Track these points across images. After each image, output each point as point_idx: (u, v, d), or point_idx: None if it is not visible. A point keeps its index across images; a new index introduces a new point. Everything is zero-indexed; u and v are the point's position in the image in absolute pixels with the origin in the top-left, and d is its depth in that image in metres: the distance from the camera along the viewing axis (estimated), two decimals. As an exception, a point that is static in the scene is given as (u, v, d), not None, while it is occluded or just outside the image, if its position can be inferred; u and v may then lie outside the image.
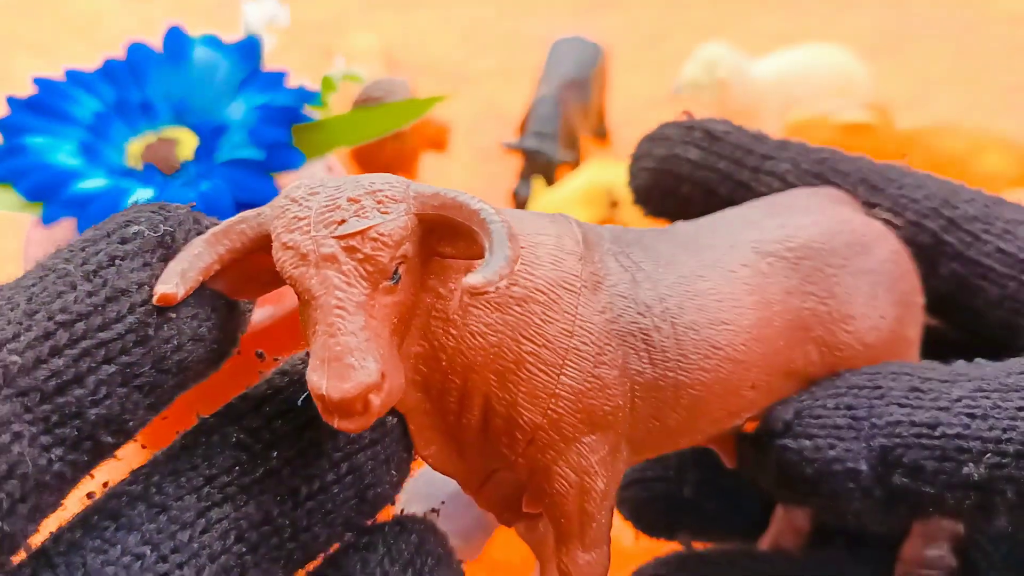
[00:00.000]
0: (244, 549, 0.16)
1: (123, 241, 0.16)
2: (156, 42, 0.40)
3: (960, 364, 0.19)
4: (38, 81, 0.38)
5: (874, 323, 0.20)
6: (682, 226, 0.21)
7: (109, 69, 0.39)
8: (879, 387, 0.18)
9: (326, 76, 0.43)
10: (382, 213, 0.16)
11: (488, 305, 0.18)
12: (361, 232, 0.16)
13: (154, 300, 0.16)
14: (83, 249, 0.16)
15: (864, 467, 0.16)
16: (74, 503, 0.17)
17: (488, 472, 0.20)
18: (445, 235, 0.17)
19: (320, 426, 0.17)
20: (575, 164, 0.54)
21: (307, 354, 0.18)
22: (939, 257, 0.21)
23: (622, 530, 0.42)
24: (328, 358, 0.15)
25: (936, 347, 0.22)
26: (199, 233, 0.17)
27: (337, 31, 0.68)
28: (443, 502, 0.36)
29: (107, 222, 0.17)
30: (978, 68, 0.67)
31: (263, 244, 0.17)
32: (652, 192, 0.23)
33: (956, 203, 0.22)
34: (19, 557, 0.15)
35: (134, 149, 0.38)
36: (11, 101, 0.38)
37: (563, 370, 0.18)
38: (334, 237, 0.15)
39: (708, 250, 0.20)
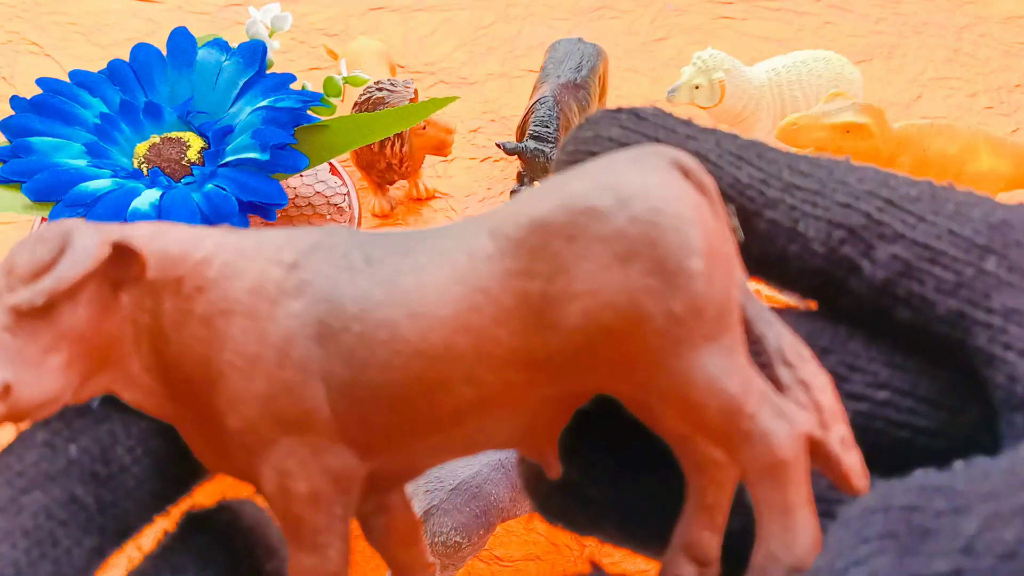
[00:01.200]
0: (54, 524, 0.19)
1: None
2: (161, 45, 0.40)
3: (959, 476, 0.15)
4: (43, 82, 0.39)
5: (609, 299, 0.18)
6: (474, 217, 0.20)
7: (114, 71, 0.40)
8: (921, 503, 0.15)
9: (329, 79, 0.44)
10: (29, 252, 0.19)
11: (197, 320, 0.19)
12: (6, 268, 0.19)
13: None
14: None
15: None
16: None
17: (253, 472, 0.20)
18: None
19: (116, 420, 0.20)
20: (574, 166, 0.54)
21: None
22: (875, 240, 0.19)
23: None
24: None
25: (872, 346, 0.20)
26: None
27: (340, 34, 0.69)
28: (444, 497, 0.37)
29: None
30: (972, 70, 0.67)
31: None
32: None
33: (895, 185, 0.19)
34: None
35: (140, 151, 0.38)
36: (16, 102, 0.38)
37: (252, 376, 0.19)
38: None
39: (451, 239, 0.19)
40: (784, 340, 0.20)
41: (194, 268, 0.19)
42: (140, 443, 0.20)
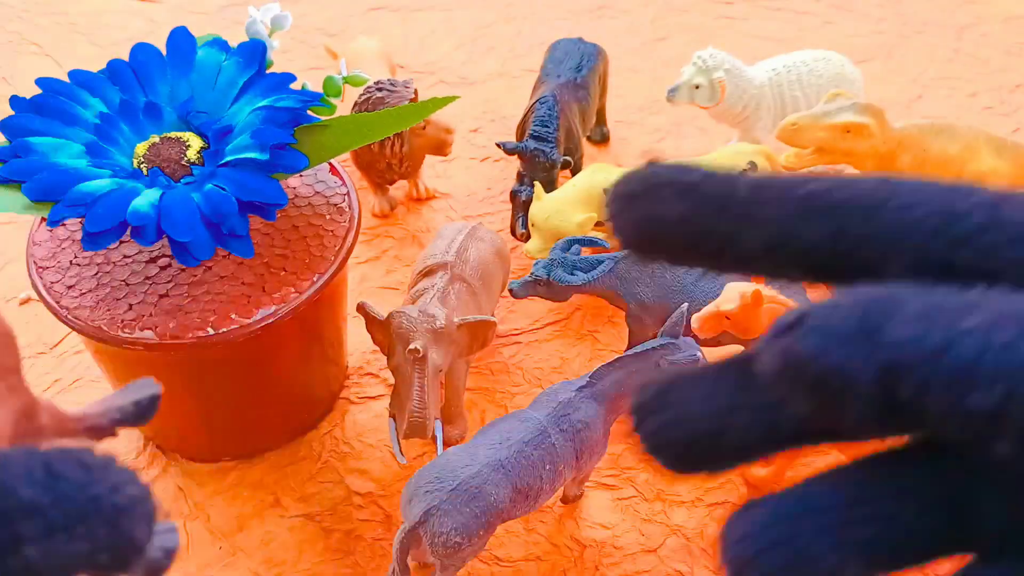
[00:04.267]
0: None
1: None
2: (161, 45, 0.40)
3: (975, 294, 0.20)
4: (43, 82, 0.39)
5: None
6: None
7: (114, 71, 0.39)
8: (898, 299, 0.19)
9: (329, 78, 0.44)
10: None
11: None
12: None
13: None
14: None
15: (868, 375, 0.18)
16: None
17: None
18: None
19: None
20: (575, 166, 0.54)
21: None
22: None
23: (614, 538, 0.42)
24: None
25: None
26: None
27: (340, 34, 0.69)
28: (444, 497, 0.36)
29: None
30: (972, 70, 0.67)
31: None
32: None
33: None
34: None
35: (139, 150, 0.38)
36: (16, 101, 0.38)
37: None
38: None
39: None
40: None
41: None
42: None
